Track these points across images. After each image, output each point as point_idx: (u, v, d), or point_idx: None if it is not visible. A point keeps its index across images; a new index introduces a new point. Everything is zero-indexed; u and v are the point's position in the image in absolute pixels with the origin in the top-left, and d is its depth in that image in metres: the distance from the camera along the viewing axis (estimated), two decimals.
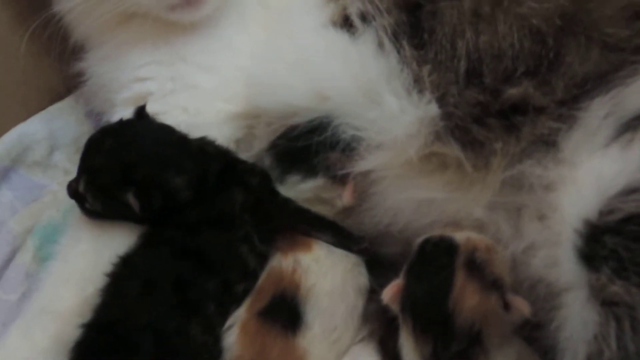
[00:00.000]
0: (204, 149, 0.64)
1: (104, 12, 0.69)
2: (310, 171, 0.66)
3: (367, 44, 0.64)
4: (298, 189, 0.67)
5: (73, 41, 0.76)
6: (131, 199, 0.60)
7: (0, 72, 0.78)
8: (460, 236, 0.58)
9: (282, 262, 0.62)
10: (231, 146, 0.71)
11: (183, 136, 0.65)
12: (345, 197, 0.66)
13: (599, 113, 0.54)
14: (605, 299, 0.47)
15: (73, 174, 0.84)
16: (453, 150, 0.59)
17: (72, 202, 0.79)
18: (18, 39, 0.74)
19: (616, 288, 0.46)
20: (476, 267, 0.55)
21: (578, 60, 0.56)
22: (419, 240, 0.59)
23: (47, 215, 0.78)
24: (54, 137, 0.85)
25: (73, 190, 0.64)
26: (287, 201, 0.64)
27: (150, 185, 0.60)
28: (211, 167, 0.62)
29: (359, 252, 0.63)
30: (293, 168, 0.66)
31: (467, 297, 0.54)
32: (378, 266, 0.67)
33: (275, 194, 0.64)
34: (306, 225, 0.63)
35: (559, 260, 0.53)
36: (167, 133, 0.65)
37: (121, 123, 0.65)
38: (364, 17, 0.65)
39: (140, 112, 0.66)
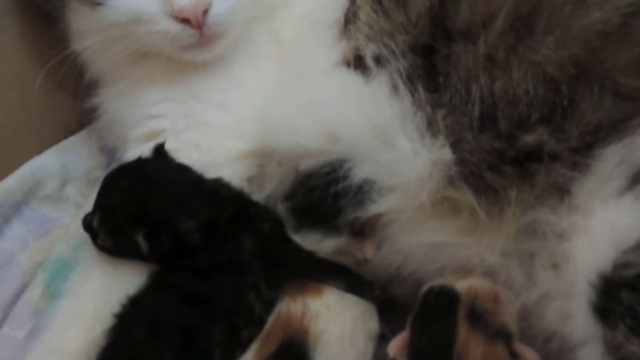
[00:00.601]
0: (218, 191, 0.64)
1: (119, 51, 0.70)
2: (333, 230, 0.65)
3: (380, 86, 0.64)
4: (320, 246, 0.66)
5: (88, 78, 0.77)
6: (140, 240, 0.60)
7: (15, 108, 0.80)
8: (461, 285, 0.57)
9: (290, 307, 0.61)
10: (243, 185, 0.71)
11: (199, 177, 0.65)
12: (369, 251, 0.66)
13: (612, 161, 0.54)
14: (622, 358, 0.45)
15: (84, 207, 0.86)
16: (466, 196, 0.58)
17: (83, 236, 0.80)
18: (34, 75, 0.75)
19: (633, 347, 0.45)
20: (479, 317, 0.55)
21: (592, 108, 0.56)
22: (423, 289, 0.59)
23: (57, 249, 0.78)
24: (67, 170, 0.85)
25: (87, 225, 0.65)
26: (298, 249, 0.63)
27: (160, 227, 0.60)
28: (224, 211, 0.62)
29: (371, 299, 0.63)
30: (314, 227, 0.66)
31: (472, 348, 0.53)
32: (389, 308, 0.66)
33: (287, 240, 0.64)
34: (317, 272, 0.62)
35: (573, 314, 0.52)
36: (183, 173, 0.65)
37: (139, 162, 0.66)
38: (378, 60, 0.65)
39: (159, 150, 0.67)
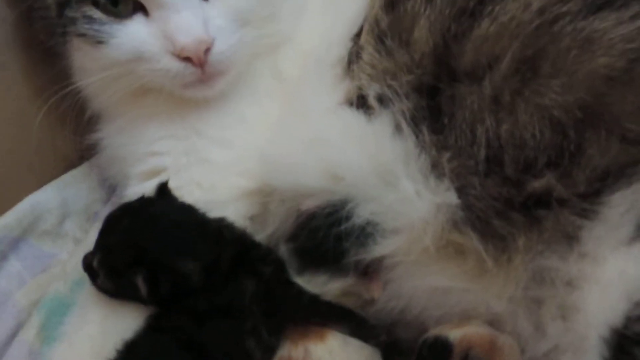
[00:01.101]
0: (221, 232, 0.63)
1: (121, 88, 0.70)
2: (339, 271, 0.64)
3: (383, 126, 0.63)
4: (326, 288, 0.65)
5: (89, 114, 0.77)
6: (140, 283, 0.59)
7: (16, 143, 0.79)
8: (455, 335, 0.57)
9: (292, 352, 0.60)
10: (246, 223, 0.70)
11: (202, 217, 0.64)
12: (375, 291, 0.64)
13: (621, 208, 0.53)
14: None
15: (83, 243, 0.85)
16: (472, 241, 0.57)
17: (81, 274, 0.78)
18: (35, 111, 0.74)
19: None
20: None
21: (599, 153, 0.55)
22: (420, 340, 0.58)
23: (54, 287, 0.76)
24: (66, 205, 0.84)
25: (87, 265, 0.64)
26: (300, 292, 0.62)
27: (160, 270, 0.59)
28: (226, 253, 0.61)
29: (376, 343, 0.61)
30: (319, 269, 0.65)
31: None
32: (394, 353, 0.64)
33: (289, 284, 0.63)
34: (320, 316, 0.61)
35: None
36: (186, 213, 0.64)
37: (141, 201, 0.65)
38: (381, 100, 0.65)
39: (162, 189, 0.66)
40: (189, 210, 0.65)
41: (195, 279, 0.59)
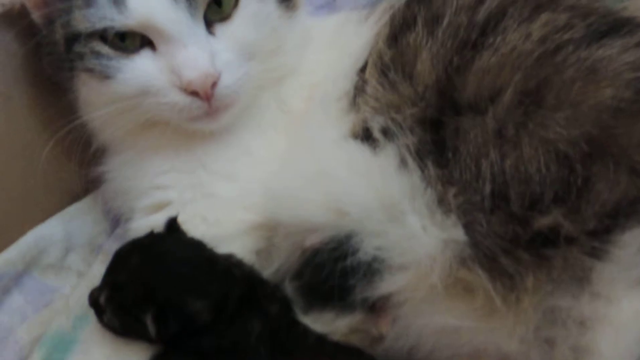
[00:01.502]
0: (230, 271, 0.63)
1: (127, 121, 0.70)
2: (346, 308, 0.63)
3: (389, 160, 0.63)
4: (333, 326, 0.64)
5: (95, 146, 0.77)
6: (149, 322, 0.58)
7: (21, 176, 0.79)
8: None
9: None
10: (252, 258, 0.69)
11: (211, 254, 0.64)
12: (383, 327, 0.63)
13: (632, 248, 0.52)
14: None
15: (86, 276, 0.84)
16: (480, 279, 0.56)
17: (84, 309, 0.78)
18: (42, 144, 0.75)
19: None
20: None
21: (608, 188, 0.54)
22: None
23: (56, 323, 0.75)
24: (70, 238, 0.83)
25: (94, 300, 0.63)
26: (306, 332, 0.61)
27: (169, 309, 0.58)
28: (234, 291, 0.61)
29: None
30: (326, 306, 0.64)
31: None
32: None
33: (295, 324, 0.62)
34: (328, 357, 0.60)
35: None
36: (195, 250, 0.64)
37: (150, 238, 0.65)
38: (386, 133, 0.64)
39: (172, 224, 0.66)
40: (198, 247, 0.64)
41: (204, 318, 0.58)
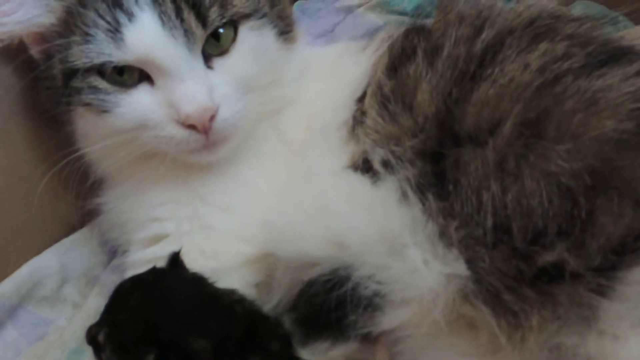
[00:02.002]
0: (232, 308, 0.61)
1: (125, 154, 0.70)
2: (340, 336, 0.62)
3: (389, 192, 0.62)
4: (329, 355, 0.63)
5: (92, 178, 0.76)
6: None
7: (18, 209, 0.78)
8: None
9: None
10: (251, 292, 0.68)
11: (213, 291, 0.63)
12: (381, 357, 0.62)
13: (638, 286, 0.50)
14: None
15: (82, 308, 0.82)
16: (484, 316, 0.55)
17: (79, 342, 0.76)
18: (39, 176, 0.74)
19: None
20: None
21: (612, 221, 0.53)
22: None
23: (51, 357, 0.74)
24: (66, 270, 0.83)
25: (92, 337, 0.61)
26: None
27: (172, 349, 0.56)
28: (235, 330, 0.59)
29: None
30: (321, 334, 0.63)
31: None
32: None
33: None
34: None
35: None
36: (198, 287, 0.63)
37: (153, 274, 0.63)
38: (386, 165, 0.63)
39: (174, 259, 0.65)
40: (200, 282, 0.63)
41: (206, 358, 0.56)
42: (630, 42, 0.67)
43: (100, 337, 0.60)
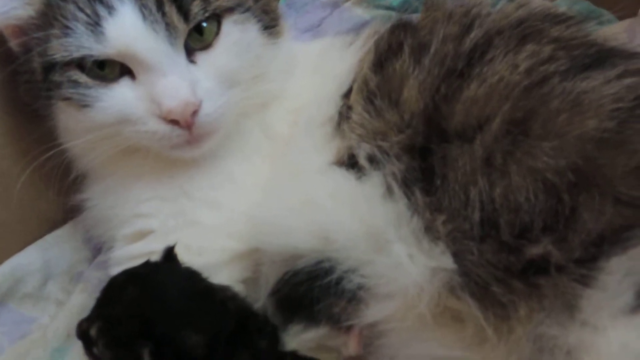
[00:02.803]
0: (225, 304, 0.61)
1: (107, 149, 0.68)
2: (312, 320, 0.63)
3: (374, 188, 0.62)
4: (301, 339, 0.63)
5: (74, 174, 0.75)
6: (146, 357, 0.56)
7: None
8: None
9: None
10: (239, 288, 0.68)
11: (207, 286, 0.63)
12: (351, 346, 0.62)
13: (617, 275, 0.51)
14: None
15: (65, 306, 0.81)
16: (470, 309, 0.55)
17: (61, 340, 0.75)
18: (18, 171, 0.73)
19: None
20: None
21: (593, 217, 0.53)
22: None
23: (33, 355, 0.73)
24: (49, 266, 0.82)
25: (82, 332, 0.60)
26: None
27: (167, 343, 0.56)
28: (227, 326, 0.59)
29: None
30: (295, 316, 0.63)
31: None
32: None
33: (282, 356, 0.60)
34: None
35: None
36: (192, 282, 0.63)
37: (147, 268, 0.63)
38: (371, 160, 0.64)
39: (169, 253, 0.64)
40: (194, 278, 0.63)
41: (199, 353, 0.56)
42: (614, 41, 0.67)
43: (92, 332, 0.59)
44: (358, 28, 0.95)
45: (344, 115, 0.69)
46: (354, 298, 0.61)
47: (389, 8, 1.10)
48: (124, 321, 0.58)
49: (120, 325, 0.58)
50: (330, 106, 0.70)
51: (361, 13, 1.10)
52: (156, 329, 0.57)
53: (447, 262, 0.57)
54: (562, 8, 0.98)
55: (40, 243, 0.82)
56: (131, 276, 0.63)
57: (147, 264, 0.63)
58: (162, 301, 0.59)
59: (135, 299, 0.59)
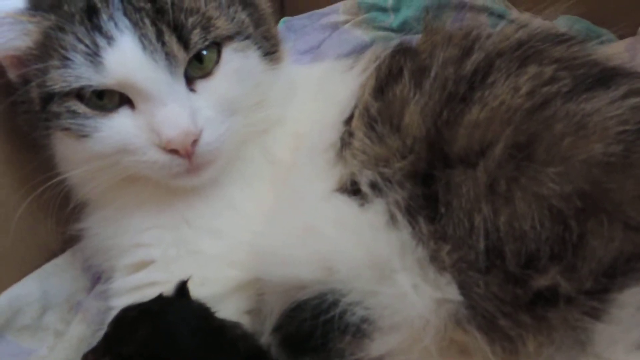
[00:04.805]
0: (236, 344, 0.60)
1: (106, 178, 0.68)
2: (324, 358, 0.61)
3: (378, 216, 0.61)
4: None
5: (74, 203, 0.74)
6: None
7: None
8: None
9: None
10: (244, 319, 0.67)
11: (219, 325, 0.62)
12: None
13: (631, 308, 0.50)
14: None
15: (63, 337, 0.80)
16: (477, 342, 0.53)
17: None
18: (18, 200, 0.72)
19: None
20: None
21: (602, 244, 0.52)
22: None
23: None
24: (47, 297, 0.80)
25: None
26: None
27: None
28: None
29: None
30: (305, 355, 0.61)
31: None
32: None
33: None
34: None
35: None
36: (205, 321, 0.61)
37: (160, 304, 0.61)
38: (374, 187, 0.62)
39: (182, 289, 0.63)
40: (206, 315, 0.62)
41: None
42: (615, 60, 0.67)
43: None
44: (358, 49, 0.95)
45: (345, 141, 0.68)
46: (358, 332, 0.59)
47: (388, 29, 1.10)
48: None
49: None
50: (333, 132, 0.70)
51: (361, 34, 1.09)
52: None
53: (453, 293, 0.55)
54: (563, 28, 0.98)
55: (39, 272, 0.81)
56: (143, 313, 0.61)
57: (160, 299, 0.62)
58: (174, 342, 0.58)
59: (147, 338, 0.58)
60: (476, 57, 0.64)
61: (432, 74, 0.65)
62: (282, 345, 0.64)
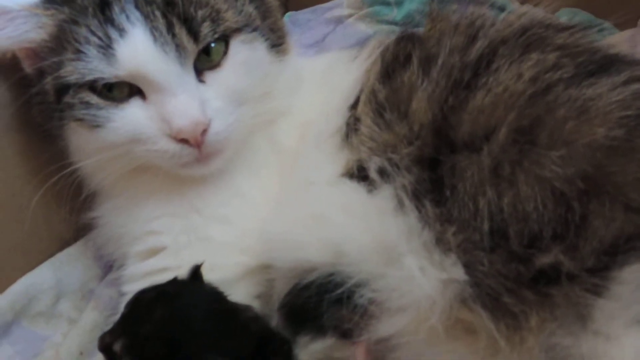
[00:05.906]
0: (248, 326, 0.62)
1: (118, 168, 0.70)
2: (319, 331, 0.63)
3: (385, 201, 0.63)
4: (309, 350, 0.63)
5: (86, 192, 0.76)
6: None
7: (11, 224, 0.77)
8: None
9: None
10: (254, 304, 0.69)
11: (232, 307, 0.63)
12: (358, 357, 0.62)
13: (631, 285, 0.51)
14: None
15: (77, 324, 0.81)
16: (482, 320, 0.55)
17: (74, 358, 0.75)
18: (31, 190, 0.74)
19: None
20: None
21: (604, 224, 0.54)
22: None
23: None
24: (61, 284, 0.82)
25: (106, 345, 0.60)
26: None
27: None
28: (248, 347, 0.59)
29: None
30: (303, 328, 0.63)
31: None
32: None
33: None
34: None
35: None
36: (218, 303, 0.63)
37: (175, 286, 0.63)
38: (382, 173, 0.64)
39: (196, 272, 0.65)
40: (219, 298, 0.64)
41: None
42: (617, 49, 0.68)
43: (117, 347, 0.59)
44: (362, 43, 0.96)
45: (351, 126, 0.70)
46: (366, 313, 0.61)
47: (391, 23, 1.11)
48: (151, 341, 0.58)
49: (147, 345, 0.58)
50: (338, 118, 0.71)
51: (364, 28, 1.11)
52: (182, 351, 0.57)
53: (459, 273, 0.57)
54: (563, 19, 1.00)
55: (52, 261, 0.83)
56: (160, 294, 0.62)
57: (175, 282, 0.64)
58: (189, 323, 0.59)
59: (163, 319, 0.59)
60: (480, 44, 0.65)
61: (440, 61, 0.66)
62: (287, 319, 0.65)
